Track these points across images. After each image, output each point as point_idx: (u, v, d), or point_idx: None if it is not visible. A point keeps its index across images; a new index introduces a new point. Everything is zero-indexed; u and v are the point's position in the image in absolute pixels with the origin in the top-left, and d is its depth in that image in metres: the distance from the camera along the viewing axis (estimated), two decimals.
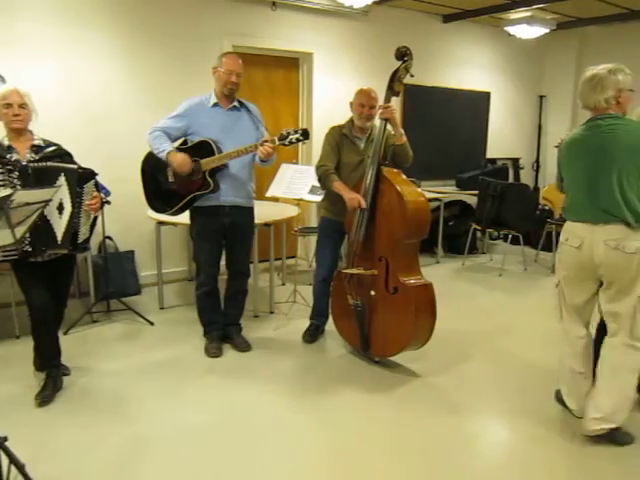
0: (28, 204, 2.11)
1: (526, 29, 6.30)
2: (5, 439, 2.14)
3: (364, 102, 3.43)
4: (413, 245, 3.33)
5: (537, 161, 7.99)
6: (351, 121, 3.55)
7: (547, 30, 6.42)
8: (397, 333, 3.24)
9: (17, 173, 2.73)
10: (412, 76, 3.30)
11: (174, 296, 4.81)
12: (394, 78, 3.25)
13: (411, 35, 6.15)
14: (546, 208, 6.33)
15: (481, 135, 7.42)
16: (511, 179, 7.45)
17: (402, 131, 3.39)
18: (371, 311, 3.35)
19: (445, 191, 6.42)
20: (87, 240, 3.04)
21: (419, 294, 3.21)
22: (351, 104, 3.52)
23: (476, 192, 6.09)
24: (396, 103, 5.74)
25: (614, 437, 2.60)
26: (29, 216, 2.19)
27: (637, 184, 2.45)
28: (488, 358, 3.63)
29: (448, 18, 6.63)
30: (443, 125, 6.93)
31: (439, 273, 5.54)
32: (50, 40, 4.37)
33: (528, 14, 6.17)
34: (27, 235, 2.68)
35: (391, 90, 3.26)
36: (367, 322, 3.36)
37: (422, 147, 6.76)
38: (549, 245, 6.00)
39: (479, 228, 6.03)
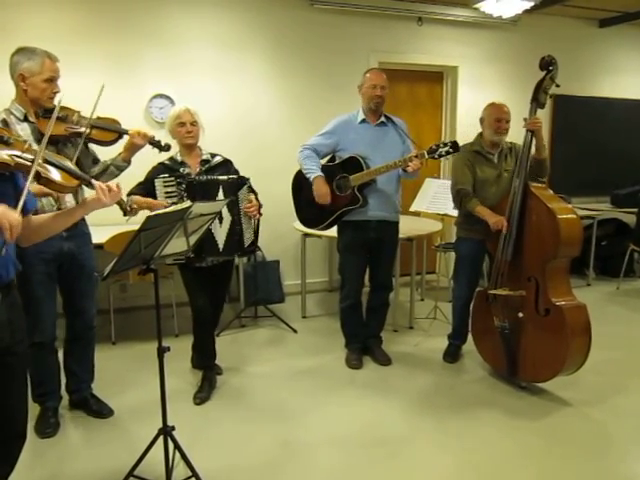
0: (202, 215, 2.33)
1: None
2: (173, 428, 2.35)
3: (501, 117, 3.36)
4: (564, 264, 3.16)
5: None
6: (480, 137, 3.47)
7: None
8: (550, 357, 3.06)
9: (184, 186, 3.00)
10: (558, 86, 3.17)
11: (315, 306, 4.97)
12: (539, 89, 3.13)
13: (563, 43, 5.82)
14: None
15: None
16: None
17: (545, 144, 3.27)
18: (519, 334, 3.20)
19: (598, 208, 5.96)
20: (253, 243, 3.24)
21: (573, 316, 3.02)
22: (482, 120, 3.45)
23: (635, 210, 5.58)
24: (544, 114, 5.52)
25: None
26: (202, 226, 2.41)
27: None
28: None
29: (605, 22, 6.19)
30: (596, 137, 6.46)
31: (591, 296, 5.11)
32: (213, 65, 4.78)
33: None
34: None
35: (536, 102, 3.15)
36: (515, 345, 3.22)
37: (573, 161, 6.40)
38: None
39: (638, 249, 5.52)
